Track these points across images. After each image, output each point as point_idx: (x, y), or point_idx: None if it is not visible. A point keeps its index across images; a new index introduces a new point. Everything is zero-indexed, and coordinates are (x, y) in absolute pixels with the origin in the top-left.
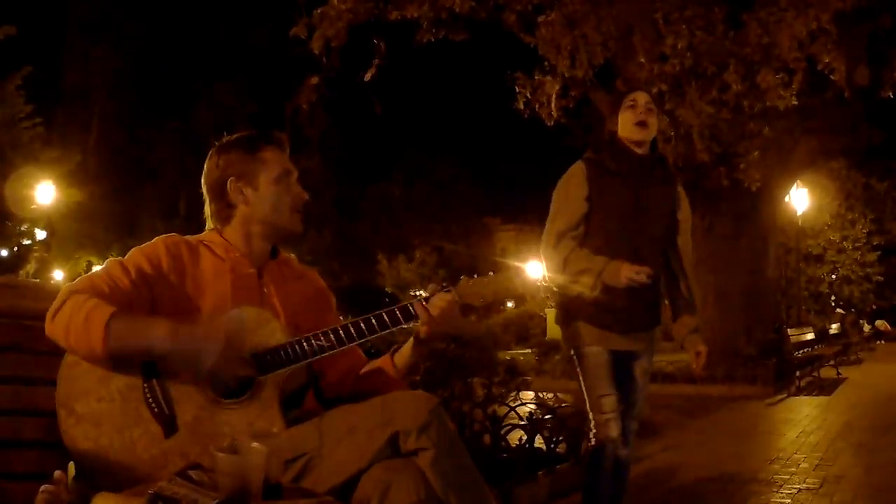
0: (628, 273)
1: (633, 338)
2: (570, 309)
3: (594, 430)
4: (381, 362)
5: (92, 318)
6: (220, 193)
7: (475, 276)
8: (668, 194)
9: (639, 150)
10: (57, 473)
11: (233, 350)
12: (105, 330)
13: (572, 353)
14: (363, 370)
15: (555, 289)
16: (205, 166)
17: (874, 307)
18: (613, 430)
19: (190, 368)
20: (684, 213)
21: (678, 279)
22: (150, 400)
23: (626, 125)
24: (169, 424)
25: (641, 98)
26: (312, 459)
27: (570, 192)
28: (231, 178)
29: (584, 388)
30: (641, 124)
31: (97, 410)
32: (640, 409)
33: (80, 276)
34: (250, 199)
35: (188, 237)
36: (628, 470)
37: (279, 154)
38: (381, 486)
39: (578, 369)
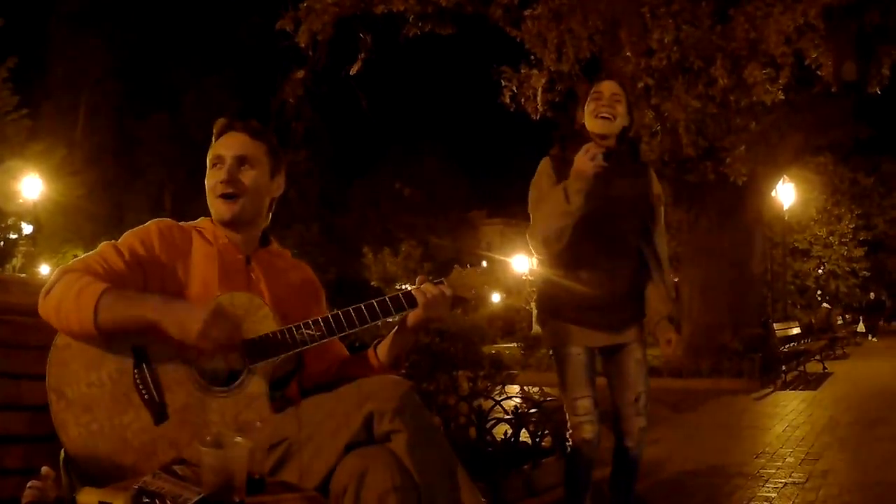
0: (581, 159)
1: (618, 331)
2: (548, 308)
3: (570, 431)
4: (365, 353)
5: (83, 294)
6: None
7: (468, 265)
8: (637, 184)
9: (603, 143)
10: (44, 469)
11: (219, 328)
12: (96, 304)
13: (551, 352)
14: (347, 360)
15: (543, 279)
16: None
17: (872, 296)
18: (587, 433)
19: (183, 345)
20: (656, 198)
21: (650, 267)
22: (141, 386)
23: (589, 117)
24: (159, 412)
25: (608, 89)
26: (292, 446)
27: (540, 186)
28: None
29: (561, 389)
30: (604, 117)
31: (87, 395)
32: (645, 403)
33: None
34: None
35: (181, 223)
36: (636, 468)
37: (223, 141)
38: (357, 474)
39: (557, 369)
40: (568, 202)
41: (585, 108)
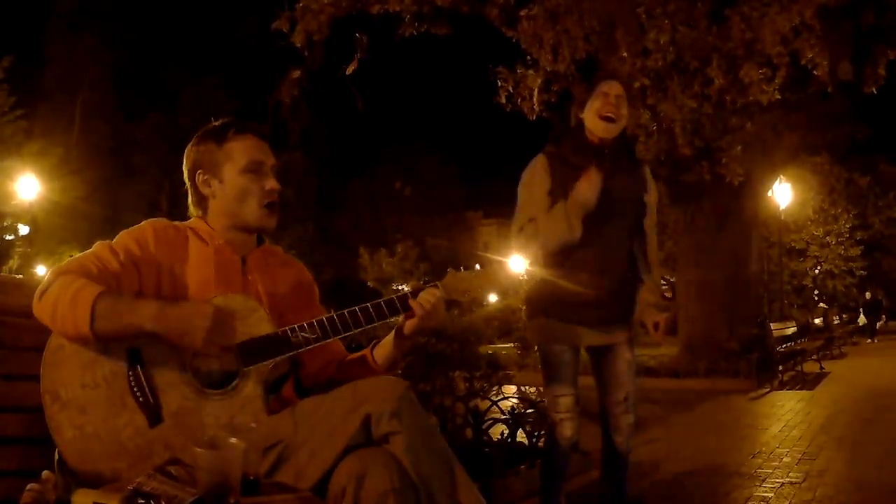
0: (583, 188)
1: (608, 331)
2: (537, 305)
3: (550, 426)
4: (362, 354)
5: (79, 299)
6: (193, 183)
7: (461, 268)
8: (633, 180)
9: (600, 142)
10: (45, 473)
11: (220, 333)
12: (91, 310)
13: (536, 348)
14: (345, 360)
15: (535, 277)
16: (184, 154)
17: (869, 295)
18: (567, 430)
19: (177, 348)
20: (651, 195)
21: (639, 265)
22: (135, 388)
23: (592, 116)
24: (154, 414)
25: (614, 89)
26: (287, 447)
27: (534, 188)
28: (199, 170)
29: (545, 384)
30: (608, 119)
31: (82, 397)
32: (633, 401)
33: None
34: (217, 192)
35: (176, 222)
36: (626, 464)
37: (250, 144)
38: (356, 476)
39: (542, 365)
40: (570, 230)
41: (589, 105)
